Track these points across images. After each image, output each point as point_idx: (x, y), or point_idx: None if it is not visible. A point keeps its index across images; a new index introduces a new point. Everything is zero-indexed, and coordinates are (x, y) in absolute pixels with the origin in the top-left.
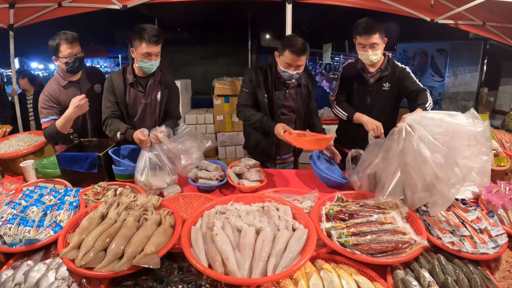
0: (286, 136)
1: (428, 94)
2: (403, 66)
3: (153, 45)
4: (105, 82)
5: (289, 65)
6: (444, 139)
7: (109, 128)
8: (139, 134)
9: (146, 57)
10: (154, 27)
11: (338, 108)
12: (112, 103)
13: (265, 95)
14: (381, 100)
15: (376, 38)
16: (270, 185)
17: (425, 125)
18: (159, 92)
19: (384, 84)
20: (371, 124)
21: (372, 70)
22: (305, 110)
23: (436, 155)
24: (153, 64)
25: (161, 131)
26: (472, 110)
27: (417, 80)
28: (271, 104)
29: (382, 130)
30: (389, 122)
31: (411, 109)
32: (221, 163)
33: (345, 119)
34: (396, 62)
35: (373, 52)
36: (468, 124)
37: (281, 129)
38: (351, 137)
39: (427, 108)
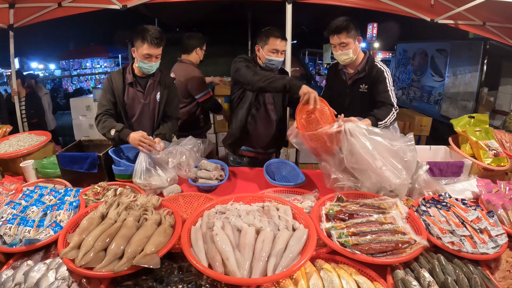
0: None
1: (392, 112)
2: (383, 67)
3: (154, 47)
4: (105, 80)
5: (275, 51)
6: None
7: (102, 124)
8: (141, 136)
9: (146, 58)
10: (157, 28)
11: None
12: (108, 102)
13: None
14: (360, 101)
15: (343, 37)
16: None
17: (357, 136)
18: (158, 92)
19: (361, 85)
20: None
21: (351, 71)
22: (282, 104)
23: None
24: (153, 66)
25: (160, 147)
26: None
27: (390, 91)
28: (253, 98)
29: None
30: None
31: (366, 116)
32: (221, 162)
33: None
34: (376, 62)
35: (342, 52)
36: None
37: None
38: None
39: (379, 125)
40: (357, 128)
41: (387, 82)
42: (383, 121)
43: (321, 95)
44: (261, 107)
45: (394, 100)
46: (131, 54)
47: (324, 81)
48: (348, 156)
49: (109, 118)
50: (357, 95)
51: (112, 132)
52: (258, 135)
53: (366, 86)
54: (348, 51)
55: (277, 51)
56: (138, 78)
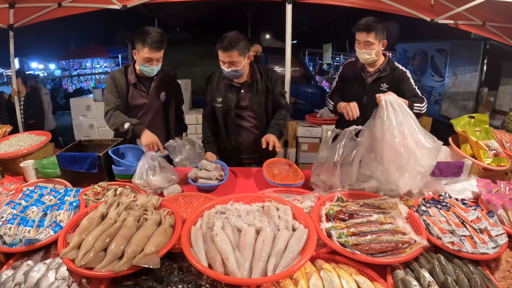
0: None
1: (425, 103)
2: (404, 69)
3: (155, 51)
4: (107, 79)
5: (222, 62)
6: (404, 130)
7: (115, 119)
8: (155, 141)
9: (147, 61)
10: (159, 31)
11: (329, 100)
12: (117, 97)
13: (219, 99)
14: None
15: (371, 37)
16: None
17: (396, 109)
18: (163, 93)
19: (382, 84)
20: (344, 106)
21: (371, 69)
22: (265, 108)
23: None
24: (154, 69)
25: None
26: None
27: (416, 88)
28: (225, 108)
29: (356, 112)
30: None
31: None
32: (222, 162)
33: (332, 109)
34: (396, 63)
35: (366, 51)
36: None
37: (209, 158)
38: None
39: (414, 107)
40: (398, 100)
41: (411, 81)
42: (420, 105)
43: (331, 91)
44: (236, 115)
45: (422, 96)
46: (131, 54)
47: (324, 81)
48: (381, 132)
49: (121, 113)
50: (376, 94)
51: (126, 125)
52: (239, 144)
53: (387, 86)
54: (372, 51)
55: (224, 62)
56: (141, 78)
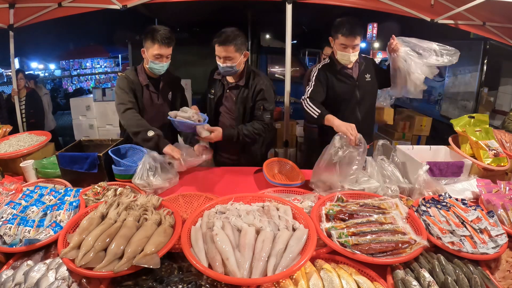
0: None
1: None
2: (368, 56)
3: (165, 46)
4: (121, 79)
5: (218, 56)
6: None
7: (137, 121)
8: (175, 153)
9: (157, 58)
10: (166, 28)
11: (311, 104)
12: (132, 98)
13: (212, 91)
14: (368, 91)
15: (358, 39)
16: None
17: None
18: (170, 92)
19: (365, 75)
20: (345, 127)
21: (350, 66)
22: (243, 115)
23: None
24: (164, 66)
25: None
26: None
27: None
28: (213, 102)
29: (356, 132)
30: (372, 116)
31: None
32: (203, 114)
33: (315, 117)
34: (362, 55)
35: (353, 53)
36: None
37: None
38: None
39: None
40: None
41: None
42: None
43: (308, 94)
44: (219, 112)
45: None
46: (131, 54)
47: None
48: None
49: (139, 116)
50: (366, 86)
51: (150, 133)
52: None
53: (370, 75)
54: (357, 52)
55: (220, 58)
56: (151, 79)
